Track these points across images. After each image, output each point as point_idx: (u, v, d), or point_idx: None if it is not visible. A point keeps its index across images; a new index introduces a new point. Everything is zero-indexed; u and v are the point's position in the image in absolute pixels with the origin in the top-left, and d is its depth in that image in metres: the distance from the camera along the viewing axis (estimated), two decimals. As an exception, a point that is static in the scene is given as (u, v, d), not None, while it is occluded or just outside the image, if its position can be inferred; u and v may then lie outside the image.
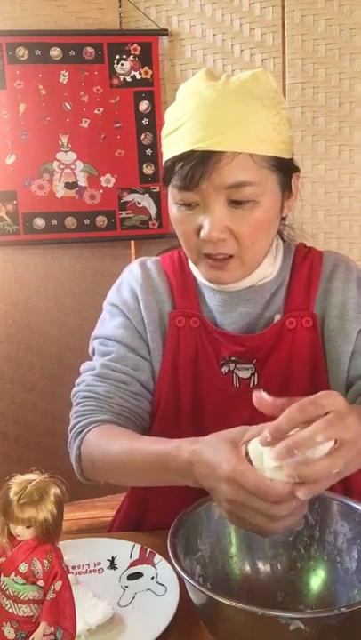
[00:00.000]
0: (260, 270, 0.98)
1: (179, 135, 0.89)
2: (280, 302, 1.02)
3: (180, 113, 0.89)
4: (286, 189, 0.95)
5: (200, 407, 1.01)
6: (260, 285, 1.00)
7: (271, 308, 1.01)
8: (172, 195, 0.93)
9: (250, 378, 1.00)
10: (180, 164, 0.88)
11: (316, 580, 0.82)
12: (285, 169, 0.93)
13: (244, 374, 1.00)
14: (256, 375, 1.00)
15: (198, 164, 0.86)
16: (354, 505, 0.80)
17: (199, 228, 0.91)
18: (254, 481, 0.67)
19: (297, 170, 0.97)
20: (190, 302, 1.03)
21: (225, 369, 1.00)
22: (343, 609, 0.63)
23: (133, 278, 1.06)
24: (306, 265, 1.04)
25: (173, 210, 0.94)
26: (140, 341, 1.03)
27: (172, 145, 0.90)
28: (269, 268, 1.00)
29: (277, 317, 1.00)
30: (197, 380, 1.01)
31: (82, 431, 0.97)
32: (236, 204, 0.89)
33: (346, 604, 0.75)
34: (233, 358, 1.00)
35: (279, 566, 0.84)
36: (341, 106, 2.03)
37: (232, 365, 1.00)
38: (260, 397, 0.73)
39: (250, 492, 0.67)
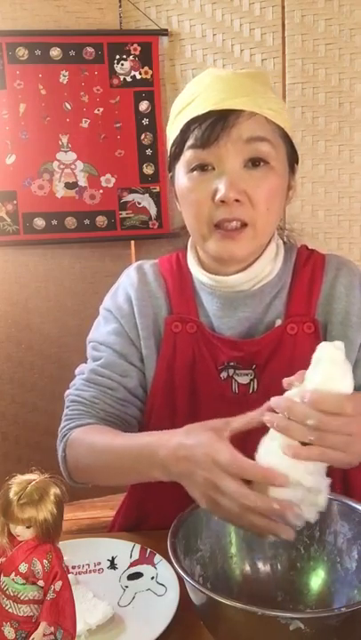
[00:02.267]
0: (261, 262, 0.97)
1: (193, 105, 0.90)
2: (281, 307, 1.00)
3: (194, 89, 0.92)
4: (291, 170, 0.97)
5: (197, 413, 1.00)
6: (259, 288, 0.98)
7: (272, 313, 1.00)
8: (186, 160, 0.92)
9: (249, 384, 0.98)
10: (198, 124, 0.89)
11: (316, 580, 0.82)
12: (291, 147, 0.96)
13: (244, 380, 0.98)
14: (256, 381, 0.98)
15: (218, 121, 0.88)
16: (354, 505, 0.80)
17: (214, 194, 0.89)
18: (228, 455, 0.68)
19: (296, 158, 0.99)
20: (187, 307, 1.01)
21: (224, 374, 0.99)
22: (343, 609, 0.63)
23: (129, 283, 1.05)
24: (308, 268, 1.02)
25: (184, 180, 0.93)
26: (132, 348, 1.02)
27: (186, 116, 0.91)
28: (269, 265, 0.98)
29: (278, 322, 0.99)
30: (194, 386, 1.00)
31: (67, 434, 0.99)
32: (252, 164, 0.90)
33: (346, 604, 0.75)
34: (232, 364, 0.98)
35: (279, 566, 0.84)
36: (341, 106, 2.03)
37: (231, 371, 0.98)
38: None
39: (223, 469, 0.68)
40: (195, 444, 0.73)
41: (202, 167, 0.90)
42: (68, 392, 1.05)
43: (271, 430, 0.71)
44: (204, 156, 0.89)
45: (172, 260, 1.07)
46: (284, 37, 2.03)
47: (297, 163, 0.99)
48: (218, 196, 0.88)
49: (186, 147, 0.91)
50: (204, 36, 2.11)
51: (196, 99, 0.90)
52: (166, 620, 0.78)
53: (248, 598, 0.79)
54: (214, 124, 0.87)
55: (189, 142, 0.90)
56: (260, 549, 0.84)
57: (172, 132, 0.95)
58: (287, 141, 0.94)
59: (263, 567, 0.84)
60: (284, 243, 1.05)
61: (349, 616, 0.63)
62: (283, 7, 2.01)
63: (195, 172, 0.91)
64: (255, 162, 0.89)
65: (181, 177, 0.93)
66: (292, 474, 0.68)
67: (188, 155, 0.91)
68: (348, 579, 0.79)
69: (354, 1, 1.96)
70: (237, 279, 0.96)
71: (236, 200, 0.88)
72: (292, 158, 0.97)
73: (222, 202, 0.88)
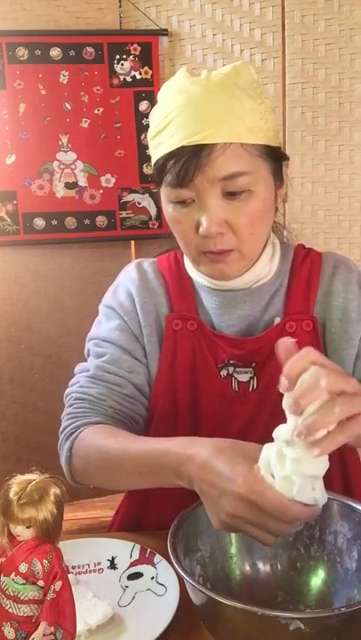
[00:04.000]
0: (258, 267, 0.97)
1: (167, 133, 0.88)
2: (279, 305, 1.00)
3: (167, 111, 0.89)
4: (278, 178, 0.95)
5: (198, 411, 1.00)
6: (257, 287, 0.98)
7: (270, 311, 1.00)
8: (166, 194, 0.92)
9: (249, 382, 0.99)
10: (173, 162, 0.88)
11: (316, 580, 0.82)
12: (276, 157, 0.93)
13: (243, 378, 0.99)
14: (255, 379, 0.98)
15: (191, 159, 0.86)
16: (354, 505, 0.80)
17: (197, 225, 0.90)
18: (274, 503, 0.66)
19: (286, 158, 0.97)
20: (187, 305, 1.01)
21: (224, 372, 0.99)
22: (343, 609, 0.63)
23: (130, 280, 1.05)
24: (305, 267, 1.02)
25: (169, 209, 0.93)
26: (136, 344, 1.02)
27: (162, 144, 0.90)
28: (266, 267, 0.99)
29: (277, 320, 0.99)
30: (195, 384, 1.00)
31: (73, 432, 0.96)
32: (231, 195, 0.88)
33: (346, 604, 0.75)
34: (232, 362, 0.98)
35: (279, 566, 0.84)
36: (341, 106, 2.03)
37: (231, 369, 0.99)
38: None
39: (266, 512, 0.67)
40: (228, 476, 0.70)
41: (182, 202, 0.90)
42: (69, 390, 1.03)
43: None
44: (182, 193, 0.89)
45: (171, 259, 1.07)
46: (284, 37, 2.03)
47: (287, 160, 0.97)
48: (200, 231, 0.89)
49: (164, 182, 0.91)
50: (204, 36, 2.11)
51: (169, 124, 0.88)
52: (166, 620, 0.78)
53: (248, 598, 0.79)
54: (188, 164, 0.86)
55: (166, 179, 0.90)
56: (260, 549, 0.84)
57: (151, 151, 0.95)
58: (270, 154, 0.91)
59: (263, 567, 0.84)
60: (282, 242, 1.06)
61: (349, 616, 0.63)
62: (283, 7, 2.01)
63: (177, 205, 0.91)
64: (234, 193, 0.88)
65: (165, 203, 0.94)
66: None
67: (167, 190, 0.91)
68: (348, 579, 0.79)
69: (354, 1, 1.96)
70: (236, 282, 0.97)
71: (219, 233, 0.89)
72: (278, 164, 0.95)
73: (205, 236, 0.89)
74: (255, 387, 0.98)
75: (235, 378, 0.99)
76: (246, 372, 0.99)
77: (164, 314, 1.02)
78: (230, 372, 0.99)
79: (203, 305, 1.02)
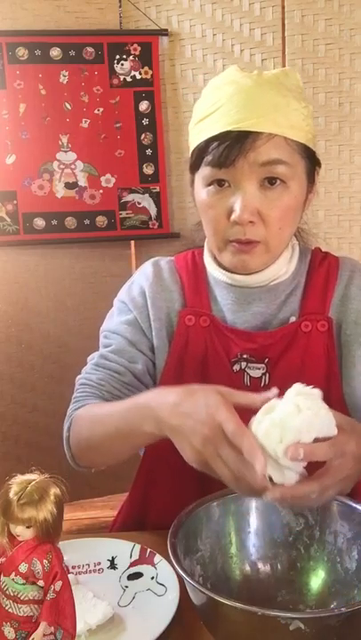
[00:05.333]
0: (277, 265, 1.00)
1: (214, 119, 0.91)
2: (295, 305, 1.02)
3: (215, 99, 0.92)
4: (310, 181, 0.98)
5: None
6: (273, 285, 1.00)
7: (286, 310, 1.02)
8: (203, 175, 0.94)
9: (261, 377, 1.00)
10: (216, 143, 0.90)
11: (317, 580, 0.82)
12: (312, 159, 0.96)
13: (256, 373, 1.00)
14: (267, 375, 1.00)
15: (235, 143, 0.89)
16: (354, 505, 0.80)
17: (229, 212, 0.92)
18: (235, 425, 0.69)
19: (319, 164, 0.99)
20: (201, 301, 1.04)
21: (236, 367, 1.00)
22: (343, 609, 0.63)
23: (144, 277, 1.08)
24: (323, 269, 1.05)
25: (202, 195, 0.95)
26: (143, 337, 1.05)
27: (206, 129, 0.92)
28: (284, 267, 1.01)
29: (293, 320, 1.01)
30: (205, 378, 1.01)
31: (72, 414, 1.01)
32: (268, 183, 0.91)
33: (346, 604, 0.75)
34: (245, 356, 1.00)
35: (279, 566, 0.84)
36: (341, 106, 2.03)
37: (244, 364, 1.00)
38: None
39: (226, 436, 0.70)
40: (200, 404, 0.74)
41: (219, 183, 0.93)
42: (78, 377, 1.07)
43: (265, 407, 0.73)
44: (220, 174, 0.92)
45: (188, 257, 1.10)
46: (284, 37, 2.03)
47: (319, 167, 1.00)
48: (232, 217, 0.91)
49: (204, 162, 0.93)
50: (204, 36, 2.11)
51: (216, 111, 0.91)
52: (166, 620, 0.78)
53: (248, 598, 0.79)
54: (231, 146, 0.89)
55: (207, 159, 0.92)
56: (260, 549, 0.84)
57: (192, 137, 0.97)
58: (307, 154, 0.95)
59: (263, 567, 0.84)
60: (300, 243, 1.08)
61: (349, 616, 0.63)
62: (283, 7, 2.01)
63: (212, 187, 0.94)
64: (271, 180, 0.91)
65: (200, 188, 0.96)
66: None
67: (205, 171, 0.93)
68: (348, 579, 0.79)
69: (354, 1, 1.96)
70: (253, 279, 0.99)
71: (250, 221, 0.91)
72: (312, 168, 0.98)
73: (236, 222, 0.92)
74: (267, 382, 0.99)
75: (247, 373, 1.00)
76: (259, 368, 1.00)
77: (177, 309, 1.04)
78: (243, 367, 1.00)
79: (217, 301, 1.04)
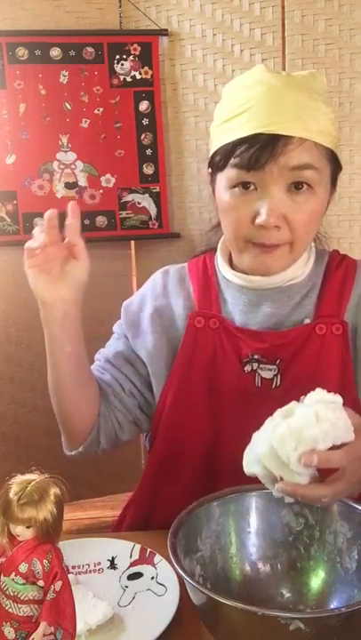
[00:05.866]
0: (295, 267, 0.99)
1: (242, 120, 0.90)
2: (310, 307, 1.01)
3: (245, 99, 0.90)
4: (333, 185, 0.98)
5: (218, 404, 1.01)
6: (287, 286, 1.00)
7: (300, 312, 1.01)
8: (228, 177, 0.93)
9: (272, 379, 0.99)
10: (246, 146, 0.89)
11: (316, 580, 0.82)
12: (337, 164, 0.97)
13: (267, 375, 0.99)
14: (279, 376, 0.99)
15: (266, 146, 0.87)
16: (354, 505, 0.80)
17: (254, 215, 0.91)
18: None
19: (341, 168, 1.00)
20: (211, 304, 1.03)
21: (248, 368, 0.99)
22: (343, 609, 0.63)
23: (151, 285, 1.11)
24: (340, 272, 1.03)
25: (226, 196, 0.94)
26: (134, 357, 1.09)
27: (233, 130, 0.91)
28: (301, 268, 1.00)
29: (307, 321, 1.00)
30: (214, 380, 1.01)
31: None
32: (295, 188, 0.90)
33: (346, 604, 0.75)
34: (256, 357, 0.99)
35: (279, 566, 0.84)
36: (341, 106, 2.03)
37: (255, 365, 0.99)
38: None
39: None
40: None
41: (244, 185, 0.91)
42: None
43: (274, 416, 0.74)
44: (247, 177, 0.90)
45: (200, 262, 1.10)
46: (284, 37, 2.03)
47: (341, 170, 1.00)
48: (258, 220, 0.90)
49: (230, 164, 0.92)
50: (204, 36, 2.11)
51: (245, 112, 0.89)
52: (166, 620, 0.78)
53: (248, 598, 0.80)
54: (262, 150, 0.87)
55: (234, 161, 0.91)
56: (260, 549, 0.84)
57: (216, 137, 0.96)
58: (332, 160, 0.95)
59: (263, 567, 0.84)
60: (316, 245, 1.07)
61: (349, 616, 0.63)
62: (283, 7, 2.01)
63: (236, 189, 0.92)
64: (298, 185, 0.91)
65: (223, 190, 0.95)
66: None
67: (231, 172, 0.92)
68: (348, 579, 0.79)
69: (354, 1, 1.96)
70: (270, 280, 0.99)
71: (276, 226, 0.90)
72: (336, 173, 0.98)
73: (262, 226, 0.91)
74: (278, 384, 0.99)
75: (258, 374, 0.99)
76: (271, 369, 0.99)
77: (184, 314, 1.04)
78: (254, 368, 0.99)
79: (227, 304, 1.03)
